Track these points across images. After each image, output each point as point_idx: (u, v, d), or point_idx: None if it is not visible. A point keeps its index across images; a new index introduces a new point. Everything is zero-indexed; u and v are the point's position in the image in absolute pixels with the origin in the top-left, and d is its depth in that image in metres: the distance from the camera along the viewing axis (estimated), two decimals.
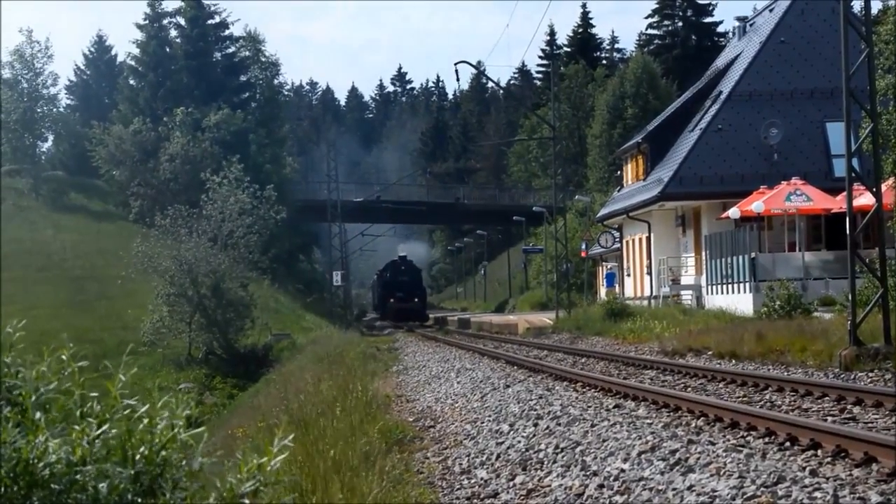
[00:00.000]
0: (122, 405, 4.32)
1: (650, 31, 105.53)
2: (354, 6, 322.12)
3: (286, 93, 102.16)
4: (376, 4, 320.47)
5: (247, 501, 4.30)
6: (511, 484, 10.26)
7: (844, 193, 21.50)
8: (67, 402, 4.36)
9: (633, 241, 50.89)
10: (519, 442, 12.16)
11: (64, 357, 4.49)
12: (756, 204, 36.39)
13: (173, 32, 79.46)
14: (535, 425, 13.00)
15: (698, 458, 9.50)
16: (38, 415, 4.26)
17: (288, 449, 4.36)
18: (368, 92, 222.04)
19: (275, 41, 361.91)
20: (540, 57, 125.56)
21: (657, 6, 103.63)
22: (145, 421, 4.29)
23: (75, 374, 4.44)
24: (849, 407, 13.93)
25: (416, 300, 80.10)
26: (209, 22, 79.07)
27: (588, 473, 9.85)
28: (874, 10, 36.47)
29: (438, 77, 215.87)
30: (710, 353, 24.99)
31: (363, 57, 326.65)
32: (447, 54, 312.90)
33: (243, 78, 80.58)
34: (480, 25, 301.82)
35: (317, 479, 9.31)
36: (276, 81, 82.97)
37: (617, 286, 53.67)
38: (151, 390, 4.36)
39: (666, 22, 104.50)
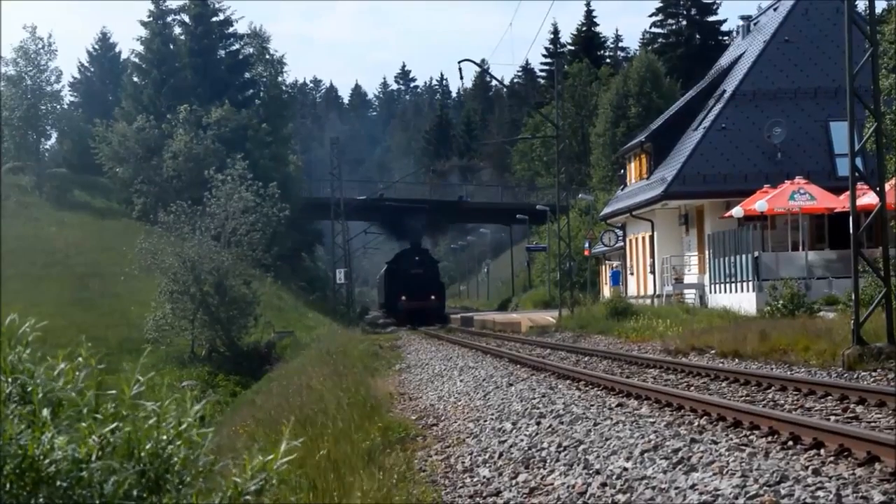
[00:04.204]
0: (133, 404, 4.33)
1: (654, 30, 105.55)
2: (359, 5, 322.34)
3: (290, 90, 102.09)
4: (381, 3, 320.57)
5: (250, 498, 4.31)
6: (514, 482, 10.26)
7: (848, 193, 21.50)
8: (80, 401, 4.37)
9: (637, 239, 50.90)
10: (522, 440, 12.17)
11: (81, 357, 4.51)
12: (759, 203, 36.39)
13: (177, 30, 79.51)
14: (538, 424, 13.02)
15: (701, 457, 9.52)
16: (44, 412, 4.28)
17: (297, 450, 4.38)
18: (372, 90, 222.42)
19: (279, 39, 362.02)
20: (543, 55, 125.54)
21: (661, 5, 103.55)
22: (153, 419, 4.31)
23: (95, 373, 4.46)
24: (852, 406, 13.93)
25: (432, 298, 68.82)
26: (213, 19, 79.05)
27: (591, 472, 9.87)
28: (878, 10, 36.50)
29: (442, 75, 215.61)
30: (713, 352, 24.98)
31: (367, 55, 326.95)
32: (451, 53, 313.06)
33: (247, 75, 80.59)
34: (484, 24, 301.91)
35: (315, 477, 9.33)
36: (279, 79, 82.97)
37: (621, 284, 53.70)
38: (159, 387, 4.38)
39: (670, 21, 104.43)
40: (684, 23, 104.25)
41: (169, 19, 78.79)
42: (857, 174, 20.99)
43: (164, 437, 4.28)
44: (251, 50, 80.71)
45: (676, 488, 8.57)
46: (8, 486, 4.13)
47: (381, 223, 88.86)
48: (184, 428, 4.33)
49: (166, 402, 4.37)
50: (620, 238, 54.60)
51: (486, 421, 14.39)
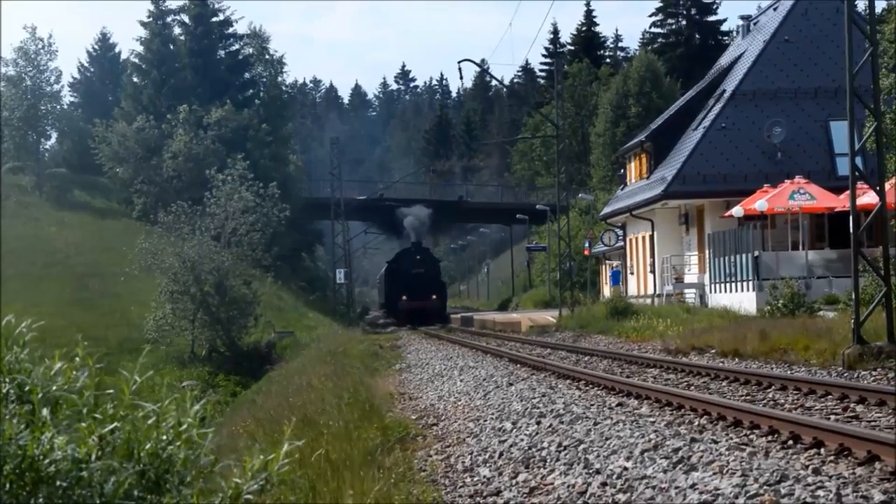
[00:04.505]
0: (133, 404, 4.34)
1: (654, 30, 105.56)
2: (359, 5, 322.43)
3: (290, 90, 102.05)
4: (381, 3, 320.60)
5: (250, 498, 4.31)
6: (514, 482, 10.26)
7: (848, 192, 21.50)
8: (79, 401, 4.37)
9: (637, 239, 50.90)
10: (522, 440, 12.17)
11: (78, 356, 4.51)
12: (759, 202, 36.39)
13: (177, 30, 79.50)
14: (538, 423, 13.02)
15: (701, 457, 9.52)
16: (44, 411, 4.27)
17: (297, 450, 4.38)
18: (372, 90, 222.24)
19: (279, 39, 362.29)
20: (543, 55, 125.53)
21: (661, 4, 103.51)
22: (152, 419, 4.31)
23: (93, 373, 4.46)
24: (852, 405, 13.93)
25: (433, 297, 67.62)
26: (213, 19, 79.06)
27: (591, 471, 9.86)
28: (878, 9, 36.51)
29: (442, 75, 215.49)
30: (713, 351, 24.98)
31: (367, 55, 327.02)
32: (451, 53, 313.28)
33: (247, 75, 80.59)
34: (484, 24, 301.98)
35: (315, 478, 9.32)
36: (279, 79, 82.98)
37: (621, 284, 53.70)
38: (159, 387, 4.38)
39: (670, 20, 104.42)
40: (684, 23, 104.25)
41: (169, 19, 78.83)
42: (857, 174, 20.99)
43: (164, 438, 4.28)
44: (251, 50, 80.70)
45: (676, 488, 8.57)
46: (8, 486, 4.13)
47: (381, 223, 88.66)
48: (184, 428, 4.33)
49: (166, 402, 4.37)
50: (620, 238, 54.60)
51: (486, 420, 14.39)
